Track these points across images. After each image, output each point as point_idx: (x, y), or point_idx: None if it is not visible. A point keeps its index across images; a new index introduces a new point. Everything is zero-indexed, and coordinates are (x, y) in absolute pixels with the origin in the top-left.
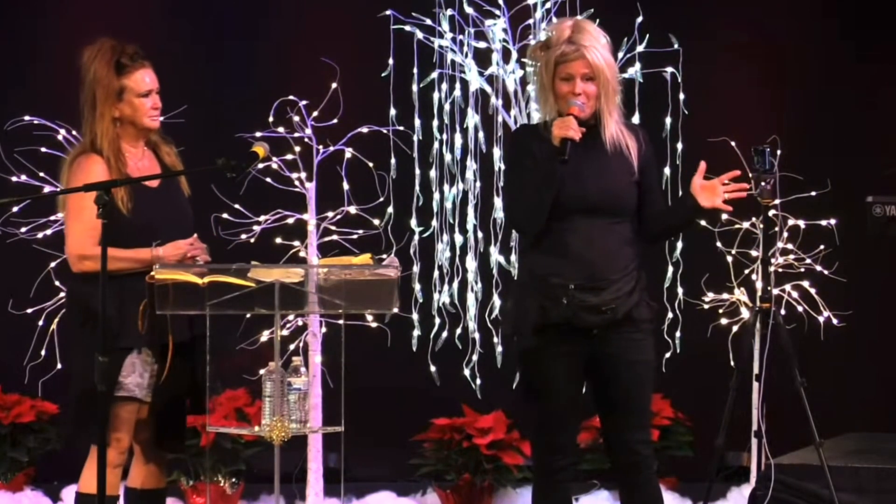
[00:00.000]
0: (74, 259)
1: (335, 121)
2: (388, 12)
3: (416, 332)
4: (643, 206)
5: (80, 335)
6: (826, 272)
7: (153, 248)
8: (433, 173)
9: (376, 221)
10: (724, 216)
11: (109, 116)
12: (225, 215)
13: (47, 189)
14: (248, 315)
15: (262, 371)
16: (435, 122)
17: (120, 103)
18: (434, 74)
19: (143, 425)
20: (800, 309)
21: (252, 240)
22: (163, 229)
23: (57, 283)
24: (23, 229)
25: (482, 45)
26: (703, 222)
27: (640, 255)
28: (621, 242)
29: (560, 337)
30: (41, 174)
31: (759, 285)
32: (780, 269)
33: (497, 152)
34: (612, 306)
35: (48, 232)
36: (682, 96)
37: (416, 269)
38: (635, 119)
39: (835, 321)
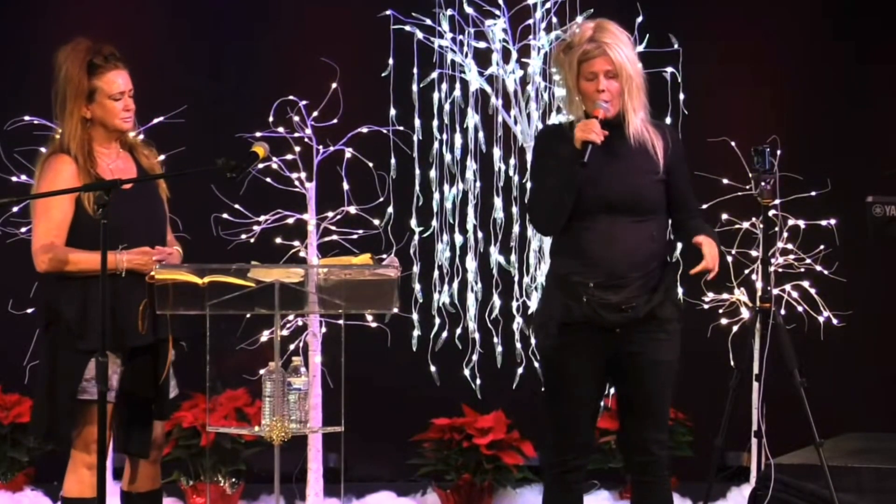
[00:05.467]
0: (38, 258)
1: (335, 121)
2: (388, 12)
3: (416, 332)
4: (671, 206)
5: (45, 337)
6: (826, 272)
7: (118, 252)
8: (433, 173)
9: (376, 221)
10: (725, 216)
11: (79, 116)
12: (225, 215)
13: None
14: (248, 315)
15: (262, 371)
16: (435, 122)
17: (91, 104)
18: (434, 74)
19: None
20: (800, 309)
21: (252, 240)
22: (129, 232)
23: None
24: (23, 229)
25: (482, 45)
26: None
27: (667, 254)
28: (644, 241)
29: (583, 335)
30: None
31: (759, 285)
32: (780, 269)
33: (497, 152)
34: (633, 304)
35: None
36: (682, 96)
37: (416, 269)
38: None
39: (835, 321)
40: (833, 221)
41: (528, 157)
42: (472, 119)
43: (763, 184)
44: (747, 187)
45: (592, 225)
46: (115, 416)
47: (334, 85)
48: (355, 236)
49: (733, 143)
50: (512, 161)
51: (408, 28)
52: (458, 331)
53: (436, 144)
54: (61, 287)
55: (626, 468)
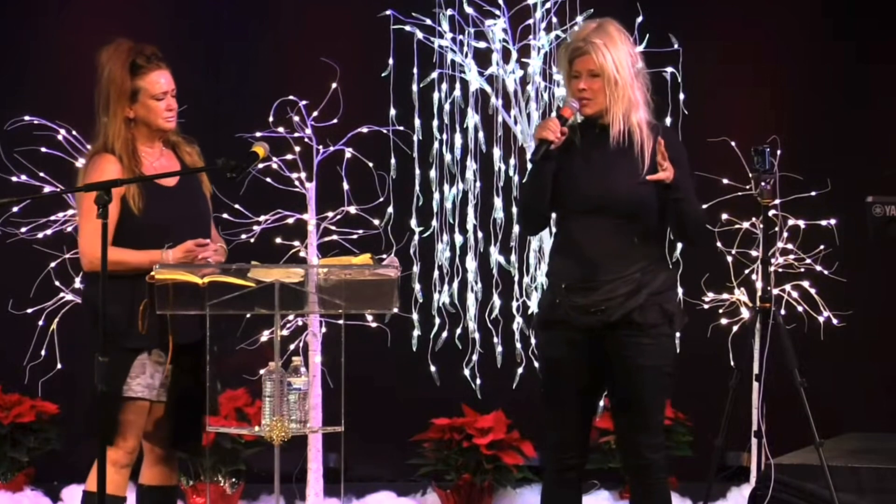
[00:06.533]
0: (87, 259)
1: (335, 121)
2: (388, 12)
3: (416, 332)
4: (665, 208)
5: (92, 336)
6: (826, 272)
7: (164, 250)
8: (433, 173)
9: (376, 221)
10: (725, 216)
11: (122, 116)
12: (225, 215)
13: (47, 189)
14: (248, 315)
15: (262, 371)
16: (435, 122)
17: (134, 104)
18: (434, 74)
19: (157, 425)
20: (800, 309)
21: (252, 240)
22: (175, 229)
23: (57, 283)
24: (23, 229)
25: (482, 45)
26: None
27: (655, 257)
28: (626, 244)
29: (566, 334)
30: (41, 174)
31: (759, 285)
32: (780, 269)
33: (497, 152)
34: (603, 308)
35: (48, 232)
36: (682, 96)
37: (416, 269)
38: None
39: (835, 321)
40: (833, 221)
41: (529, 156)
42: (472, 119)
43: (763, 184)
44: (747, 187)
45: (574, 226)
46: (166, 413)
47: (334, 85)
48: (355, 236)
49: (733, 143)
50: (512, 161)
51: (408, 28)
52: (458, 331)
53: (436, 144)
54: (107, 285)
55: (622, 469)
